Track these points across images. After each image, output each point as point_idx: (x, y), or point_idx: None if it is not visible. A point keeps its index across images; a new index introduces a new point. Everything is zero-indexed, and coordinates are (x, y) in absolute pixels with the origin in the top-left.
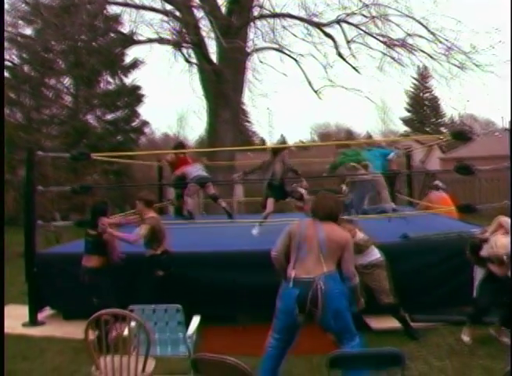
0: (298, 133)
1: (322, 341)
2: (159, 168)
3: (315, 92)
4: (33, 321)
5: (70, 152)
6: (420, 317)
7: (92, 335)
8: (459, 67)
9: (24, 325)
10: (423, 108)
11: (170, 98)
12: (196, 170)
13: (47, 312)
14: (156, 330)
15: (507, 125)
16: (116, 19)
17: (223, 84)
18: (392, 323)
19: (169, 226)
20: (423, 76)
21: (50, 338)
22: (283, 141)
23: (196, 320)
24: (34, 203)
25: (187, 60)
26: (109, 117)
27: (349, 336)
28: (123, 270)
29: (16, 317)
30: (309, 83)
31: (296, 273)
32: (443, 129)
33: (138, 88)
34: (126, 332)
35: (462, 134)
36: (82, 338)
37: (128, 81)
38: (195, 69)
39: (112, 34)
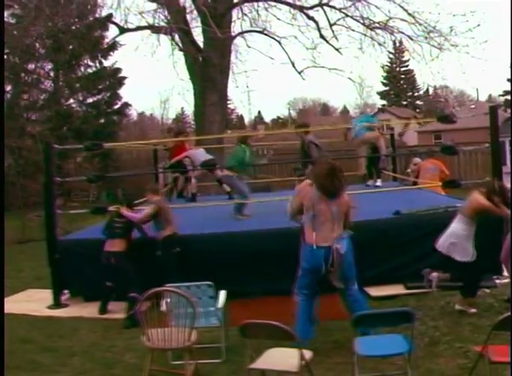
0: (276, 109)
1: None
2: (154, 152)
3: (299, 73)
4: (57, 303)
5: (83, 143)
6: (414, 284)
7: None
8: (437, 48)
9: (49, 307)
10: (399, 82)
11: (153, 81)
12: (202, 154)
13: (66, 295)
14: (184, 305)
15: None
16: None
17: (210, 68)
18: (388, 291)
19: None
20: (398, 50)
21: (78, 318)
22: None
23: (223, 294)
24: (53, 193)
25: (180, 48)
26: (90, 100)
27: (353, 281)
28: (141, 254)
29: (39, 300)
30: (293, 64)
31: (316, 240)
32: (419, 102)
33: (118, 70)
34: (164, 307)
35: (447, 118)
36: (109, 316)
37: (108, 63)
38: (179, 52)
39: (90, 18)
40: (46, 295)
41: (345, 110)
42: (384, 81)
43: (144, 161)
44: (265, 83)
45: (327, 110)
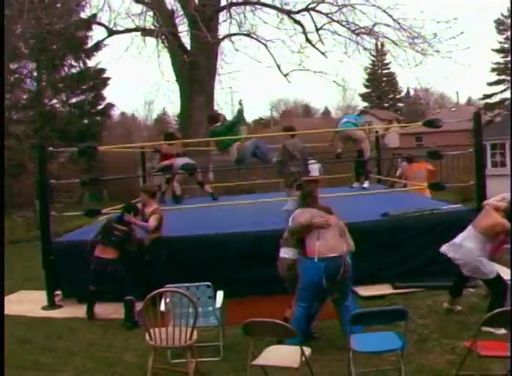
0: (258, 110)
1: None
2: (142, 155)
3: (285, 75)
4: (52, 304)
5: (76, 146)
6: (402, 284)
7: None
8: (421, 54)
9: (44, 308)
10: (381, 84)
11: (138, 81)
12: (183, 160)
13: (59, 296)
14: (185, 305)
15: (461, 99)
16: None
17: (197, 71)
18: (376, 290)
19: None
20: (380, 53)
21: (74, 318)
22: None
23: (220, 295)
24: (48, 195)
25: (169, 51)
26: (74, 100)
27: (349, 295)
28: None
29: (33, 302)
30: (278, 67)
31: (319, 251)
32: (400, 104)
33: (102, 71)
34: (162, 307)
35: (432, 123)
36: (104, 317)
37: (92, 64)
38: (165, 53)
39: (75, 18)
40: (39, 296)
41: (327, 112)
42: (366, 83)
43: (129, 162)
44: (247, 83)
45: (309, 112)
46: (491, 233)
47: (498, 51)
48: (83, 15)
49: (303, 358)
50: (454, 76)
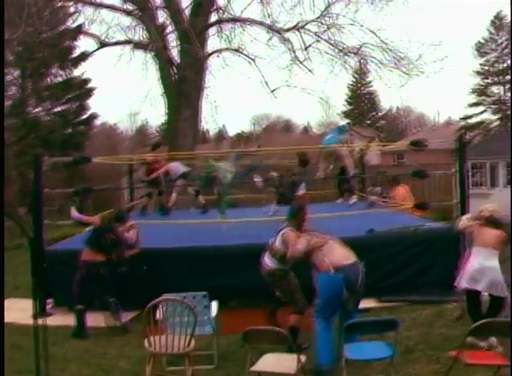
0: (240, 124)
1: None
2: (129, 166)
3: (271, 91)
4: (42, 312)
5: (71, 155)
6: (386, 298)
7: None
8: (405, 74)
9: (35, 317)
10: (362, 102)
11: (122, 92)
12: (180, 167)
13: (50, 304)
14: (184, 314)
15: (441, 119)
16: (67, 12)
17: (185, 84)
18: (362, 304)
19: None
20: (362, 71)
21: (66, 326)
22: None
23: (215, 304)
24: (41, 203)
25: (159, 64)
26: (57, 109)
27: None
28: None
29: (22, 310)
30: (266, 83)
31: (333, 263)
32: (381, 122)
33: (87, 80)
34: (159, 315)
35: (418, 143)
36: (96, 325)
37: (77, 73)
38: (152, 66)
39: (62, 27)
40: (28, 304)
41: (308, 128)
42: (348, 101)
43: (111, 172)
44: (230, 97)
45: (290, 127)
46: (501, 245)
47: (478, 73)
48: (70, 24)
49: (299, 364)
50: (434, 96)
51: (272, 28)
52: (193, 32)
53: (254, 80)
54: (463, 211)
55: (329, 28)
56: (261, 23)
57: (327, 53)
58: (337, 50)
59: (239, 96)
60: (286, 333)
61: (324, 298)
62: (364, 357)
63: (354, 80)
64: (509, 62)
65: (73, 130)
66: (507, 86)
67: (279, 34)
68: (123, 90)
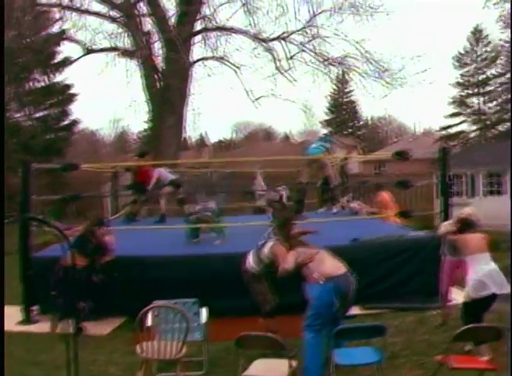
0: (221, 131)
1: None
2: (114, 174)
3: (255, 100)
4: (28, 320)
5: (53, 161)
6: (370, 305)
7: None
8: (387, 86)
9: (20, 323)
10: (343, 111)
11: (105, 99)
12: (168, 174)
13: (35, 311)
14: (176, 321)
15: (420, 130)
16: (51, 18)
17: (169, 92)
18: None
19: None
20: (342, 81)
21: (51, 333)
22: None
23: (205, 311)
24: (29, 210)
25: (144, 72)
26: (38, 115)
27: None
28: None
29: (6, 317)
30: (249, 92)
31: (324, 273)
32: (361, 132)
33: (69, 86)
34: (149, 322)
35: (402, 154)
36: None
37: (60, 79)
38: (135, 72)
39: (43, 33)
40: (11, 311)
41: (288, 136)
42: (329, 110)
43: (93, 178)
44: (210, 105)
45: (270, 136)
46: (489, 247)
47: (456, 85)
48: (54, 30)
49: (291, 369)
50: (414, 106)
51: (257, 37)
52: (178, 41)
53: (237, 87)
54: (447, 220)
55: (314, 38)
56: (246, 33)
57: (311, 63)
58: (320, 60)
59: (220, 103)
60: (281, 340)
61: (316, 309)
62: (352, 362)
63: (335, 89)
64: (488, 73)
65: (54, 136)
66: (486, 97)
67: (265, 42)
68: (107, 96)
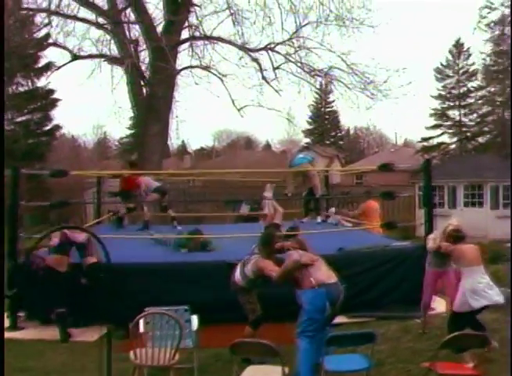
0: (201, 139)
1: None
2: (98, 180)
3: (238, 110)
4: (14, 326)
5: (34, 166)
6: (355, 314)
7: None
8: (371, 98)
9: (6, 330)
10: (324, 121)
11: (87, 104)
12: (153, 182)
13: (21, 317)
14: (169, 327)
15: (400, 141)
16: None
17: (155, 100)
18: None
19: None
20: (324, 91)
21: (40, 340)
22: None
23: (195, 319)
24: (17, 216)
25: (129, 79)
26: (20, 119)
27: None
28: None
29: None
30: (233, 102)
31: (317, 280)
32: (341, 142)
33: (52, 91)
34: (141, 329)
35: (387, 166)
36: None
37: (42, 84)
38: (120, 79)
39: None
40: None
41: (270, 144)
42: (310, 120)
43: (74, 185)
44: (192, 112)
45: (251, 144)
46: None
47: (437, 97)
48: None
49: None
50: (394, 117)
51: (242, 48)
52: (167, 49)
53: (219, 96)
54: (430, 230)
55: (300, 49)
56: (232, 43)
57: (298, 73)
58: (306, 70)
59: (201, 111)
60: (274, 346)
61: (309, 314)
62: (342, 369)
63: (316, 99)
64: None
65: (36, 141)
66: (466, 110)
67: (251, 52)
68: (92, 102)
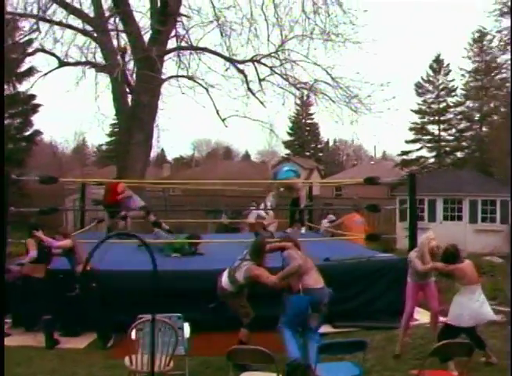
0: (179, 148)
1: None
2: (82, 186)
3: (223, 120)
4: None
5: (14, 172)
6: (340, 324)
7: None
8: (354, 111)
9: None
10: (304, 133)
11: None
12: (139, 199)
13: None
14: (161, 334)
15: (379, 154)
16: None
17: (139, 108)
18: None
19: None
20: (305, 103)
21: (28, 347)
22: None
23: (187, 326)
24: (6, 222)
25: (114, 87)
26: None
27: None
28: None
29: None
30: (217, 112)
31: (306, 285)
32: (321, 154)
33: (33, 96)
34: (133, 336)
35: (372, 180)
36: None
37: (23, 88)
38: (103, 85)
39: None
40: None
41: (248, 155)
42: (290, 131)
43: (54, 191)
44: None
45: (230, 154)
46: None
47: (417, 111)
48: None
49: None
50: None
51: (229, 59)
52: (156, 58)
53: (197, 104)
54: (414, 244)
55: (285, 62)
56: (219, 54)
57: (284, 86)
58: (292, 82)
59: (179, 120)
60: (270, 352)
61: (289, 315)
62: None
63: (297, 111)
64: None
65: (15, 146)
66: (445, 125)
67: (238, 63)
68: (76, 109)
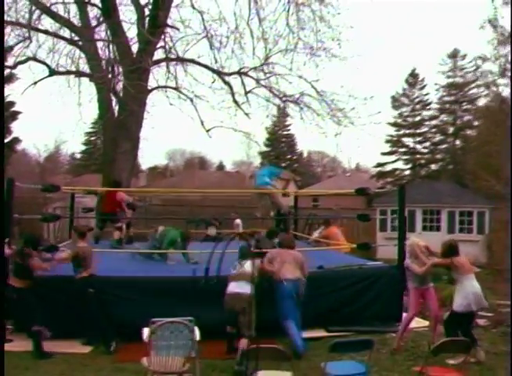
0: (153, 158)
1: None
2: (72, 196)
3: (207, 131)
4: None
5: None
6: (334, 328)
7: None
8: (337, 123)
9: None
10: (280, 144)
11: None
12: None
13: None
14: (173, 337)
15: (352, 166)
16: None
17: (126, 117)
18: (312, 333)
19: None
20: (282, 115)
21: (30, 352)
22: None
23: (197, 329)
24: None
25: (100, 96)
26: None
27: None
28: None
29: None
30: (202, 123)
31: (286, 276)
32: (296, 165)
33: (12, 103)
34: (145, 338)
35: (363, 191)
36: (65, 351)
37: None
38: (87, 95)
39: None
40: None
41: (223, 165)
42: (266, 142)
43: (32, 199)
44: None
45: (205, 164)
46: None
47: (393, 124)
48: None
49: None
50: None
51: (216, 71)
52: (145, 68)
53: (173, 114)
54: (402, 252)
55: (270, 75)
56: (206, 66)
57: (271, 99)
58: (278, 95)
59: (153, 129)
60: (286, 350)
61: (284, 299)
62: (343, 373)
63: (274, 122)
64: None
65: None
66: (421, 138)
67: (225, 75)
68: (56, 117)
